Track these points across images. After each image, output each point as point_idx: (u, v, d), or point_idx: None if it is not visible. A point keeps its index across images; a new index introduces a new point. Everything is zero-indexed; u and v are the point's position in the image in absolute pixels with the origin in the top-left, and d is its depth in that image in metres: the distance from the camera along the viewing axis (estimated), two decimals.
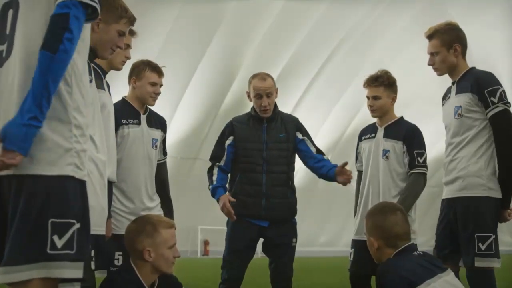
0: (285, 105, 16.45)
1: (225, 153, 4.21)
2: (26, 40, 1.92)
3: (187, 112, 18.81)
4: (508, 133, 3.48)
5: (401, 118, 4.31)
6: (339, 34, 18.94)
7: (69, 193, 1.90)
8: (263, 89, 4.13)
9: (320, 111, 20.92)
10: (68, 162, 1.90)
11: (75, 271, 1.88)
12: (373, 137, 4.28)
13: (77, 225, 1.89)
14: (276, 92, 4.22)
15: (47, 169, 1.86)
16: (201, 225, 21.91)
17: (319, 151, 4.29)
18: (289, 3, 17.14)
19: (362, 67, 17.80)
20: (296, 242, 4.20)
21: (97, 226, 2.69)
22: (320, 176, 4.26)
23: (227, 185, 4.27)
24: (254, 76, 4.24)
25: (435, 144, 14.15)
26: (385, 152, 4.17)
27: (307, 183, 17.59)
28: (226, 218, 4.19)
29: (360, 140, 4.43)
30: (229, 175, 4.28)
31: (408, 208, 3.94)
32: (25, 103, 1.83)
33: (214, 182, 4.18)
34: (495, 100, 3.47)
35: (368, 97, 4.26)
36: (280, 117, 4.27)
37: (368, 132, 4.37)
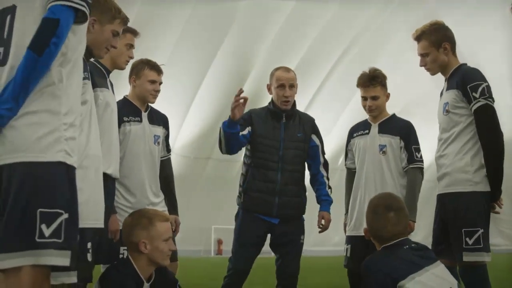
0: (298, 105, 16.40)
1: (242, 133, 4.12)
2: (19, 47, 2.01)
3: (199, 112, 18.89)
4: (489, 127, 3.51)
5: (394, 114, 4.36)
6: (351, 34, 18.89)
7: (58, 182, 1.97)
8: (286, 79, 4.17)
9: (332, 111, 20.86)
10: (59, 148, 1.99)
11: (62, 259, 1.95)
12: (367, 133, 4.31)
13: (65, 215, 1.96)
14: (296, 88, 4.24)
15: (39, 156, 1.94)
16: (214, 224, 21.99)
17: (325, 164, 4.32)
18: (301, 2, 17.15)
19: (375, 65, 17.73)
20: (303, 239, 4.20)
21: (94, 220, 2.75)
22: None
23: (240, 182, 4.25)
24: (278, 68, 4.28)
25: None
26: (382, 147, 4.21)
27: None
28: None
29: (351, 137, 4.45)
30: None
31: (416, 202, 4.06)
32: (5, 92, 1.94)
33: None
34: (477, 95, 3.51)
35: (365, 97, 4.27)
36: (299, 115, 4.29)
37: (360, 128, 4.40)
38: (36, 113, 1.97)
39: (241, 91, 3.89)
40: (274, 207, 4.08)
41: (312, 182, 4.36)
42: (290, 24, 17.71)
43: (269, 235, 4.23)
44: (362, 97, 4.30)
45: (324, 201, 4.28)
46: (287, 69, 4.26)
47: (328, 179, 4.32)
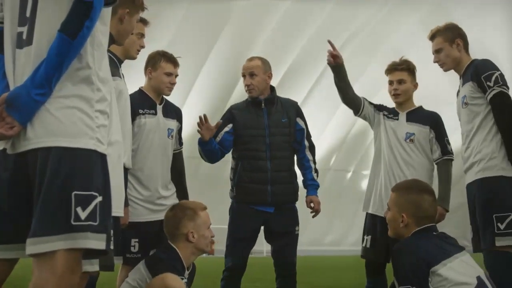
0: None
1: (220, 139, 4.21)
2: (45, 29, 1.95)
3: (193, 111, 18.73)
4: (507, 111, 3.59)
5: (421, 106, 4.37)
6: (345, 34, 18.98)
7: (91, 166, 1.93)
8: (245, 68, 4.23)
9: (326, 110, 20.90)
10: (90, 136, 1.94)
11: (97, 242, 1.91)
12: (397, 119, 4.28)
13: (99, 198, 1.92)
14: (269, 77, 4.23)
15: (72, 141, 1.90)
16: None
17: (311, 147, 4.32)
18: (295, 3, 17.18)
19: (368, 67, 17.83)
20: (298, 230, 4.21)
21: (115, 208, 2.68)
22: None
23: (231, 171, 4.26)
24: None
25: None
26: (410, 135, 4.20)
27: None
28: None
29: (379, 110, 4.36)
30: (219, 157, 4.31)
31: (449, 192, 4.08)
32: (36, 75, 1.88)
33: None
34: (491, 84, 3.62)
35: (391, 82, 4.28)
36: (280, 101, 4.28)
37: (390, 111, 4.35)
38: (69, 98, 1.92)
39: (205, 118, 4.11)
40: (268, 196, 4.08)
41: (298, 165, 4.36)
42: (285, 23, 17.74)
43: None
44: (390, 81, 4.30)
45: (310, 186, 4.28)
46: (251, 59, 4.31)
47: (314, 162, 4.32)
